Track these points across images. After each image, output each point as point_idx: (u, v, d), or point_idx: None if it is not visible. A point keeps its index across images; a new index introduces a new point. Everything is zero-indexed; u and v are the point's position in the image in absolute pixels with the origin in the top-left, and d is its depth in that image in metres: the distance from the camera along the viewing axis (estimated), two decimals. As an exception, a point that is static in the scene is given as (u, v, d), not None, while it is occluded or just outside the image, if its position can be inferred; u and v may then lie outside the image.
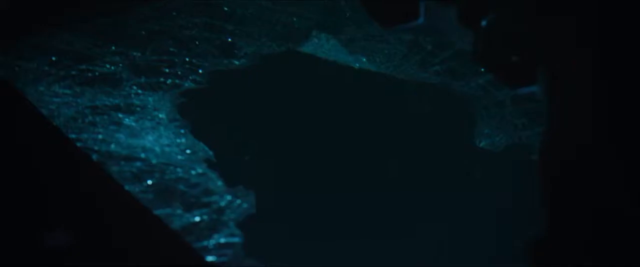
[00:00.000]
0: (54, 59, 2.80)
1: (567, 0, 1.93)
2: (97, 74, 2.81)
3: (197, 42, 2.97)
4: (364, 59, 2.96)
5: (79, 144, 2.48)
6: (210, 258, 2.25)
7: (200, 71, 2.89)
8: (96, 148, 2.54)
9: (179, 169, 2.52)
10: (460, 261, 2.32)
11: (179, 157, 2.57)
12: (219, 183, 2.48)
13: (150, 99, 2.76)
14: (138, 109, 2.72)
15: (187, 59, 2.91)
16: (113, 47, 2.90)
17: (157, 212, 2.27)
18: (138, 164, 2.52)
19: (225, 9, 3.07)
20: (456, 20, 2.18)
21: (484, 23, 2.13)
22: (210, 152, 2.60)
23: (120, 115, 2.69)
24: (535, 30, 2.04)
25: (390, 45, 2.98)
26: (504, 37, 2.10)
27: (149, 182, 2.46)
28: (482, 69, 2.86)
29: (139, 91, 2.78)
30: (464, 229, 2.44)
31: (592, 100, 1.85)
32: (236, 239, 2.32)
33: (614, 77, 1.81)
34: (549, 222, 1.93)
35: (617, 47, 1.81)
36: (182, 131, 2.67)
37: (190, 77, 2.86)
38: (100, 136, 2.59)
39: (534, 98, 2.61)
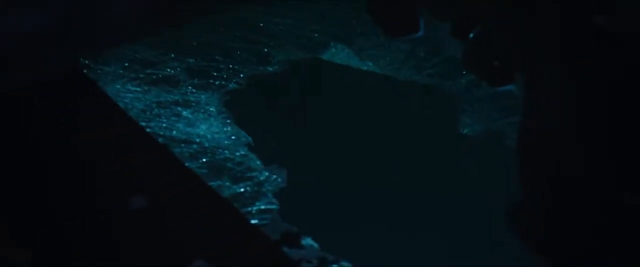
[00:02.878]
0: (126, 64, 2.81)
1: (535, 18, 1.93)
2: (160, 76, 2.81)
3: (238, 52, 2.97)
4: (371, 64, 2.96)
5: (148, 130, 2.49)
6: (253, 221, 2.25)
7: (241, 75, 2.89)
8: (161, 133, 2.55)
9: (226, 151, 2.53)
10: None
11: (226, 141, 2.58)
12: (258, 162, 2.48)
13: (202, 96, 2.77)
14: (193, 104, 2.73)
15: (230, 66, 2.91)
16: (172, 55, 2.90)
17: (210, 184, 2.28)
18: (194, 146, 2.52)
19: (261, 24, 3.07)
20: (450, 33, 2.18)
21: (471, 35, 2.13)
22: (250, 138, 2.61)
23: (179, 109, 2.69)
24: (513, 41, 2.04)
25: (392, 53, 2.98)
26: (488, 46, 2.10)
27: (204, 160, 2.47)
28: (464, 72, 2.86)
29: (193, 90, 2.79)
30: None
31: (559, 94, 1.86)
32: (274, 206, 2.32)
33: (577, 78, 1.82)
34: (526, 196, 1.93)
35: (579, 53, 1.81)
36: (228, 121, 2.67)
37: (234, 80, 2.86)
38: (164, 125, 2.60)
39: (509, 95, 2.61)
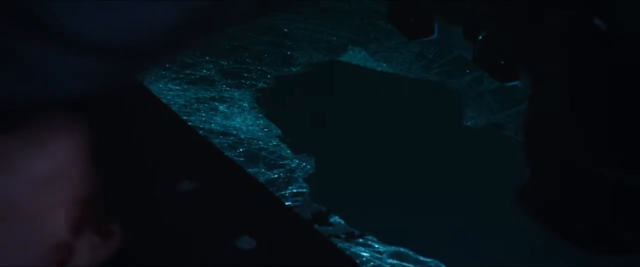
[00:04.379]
0: (167, 66, 2.83)
1: (540, 23, 1.94)
2: (197, 76, 2.83)
3: (265, 55, 2.99)
4: (385, 65, 2.98)
5: (189, 123, 2.51)
6: (287, 203, 2.27)
7: (268, 76, 2.91)
8: (201, 126, 2.57)
9: (260, 141, 2.55)
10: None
11: (260, 133, 2.60)
12: (289, 151, 2.51)
13: (235, 93, 2.79)
14: (228, 100, 2.75)
15: (258, 67, 2.94)
16: (207, 58, 2.92)
17: (248, 170, 2.30)
18: (231, 137, 2.54)
19: (285, 30, 3.09)
20: (462, 35, 2.20)
21: (480, 37, 2.15)
22: (280, 131, 2.63)
23: (216, 104, 2.71)
24: (518, 42, 2.06)
25: (403, 54, 3.00)
26: (495, 47, 2.12)
27: (240, 150, 2.49)
28: (467, 71, 2.87)
29: (227, 88, 2.81)
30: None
31: (560, 87, 1.87)
32: (304, 190, 2.34)
33: (578, 74, 1.83)
34: (531, 175, 1.95)
35: (580, 53, 1.82)
36: (260, 116, 2.69)
37: (262, 80, 2.89)
38: (203, 118, 2.62)
39: (507, 90, 2.63)
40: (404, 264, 2.09)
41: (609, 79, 1.83)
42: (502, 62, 2.20)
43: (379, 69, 2.97)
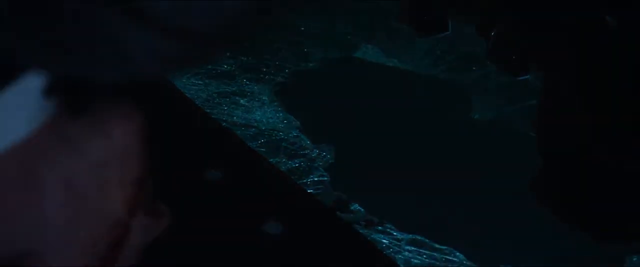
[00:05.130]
0: (190, 61, 2.81)
1: (547, 21, 1.94)
2: (218, 71, 2.83)
3: (283, 51, 2.98)
4: (396, 61, 2.97)
5: (213, 116, 2.51)
6: (309, 190, 2.27)
7: (286, 71, 2.90)
8: (224, 119, 2.56)
9: (281, 133, 2.54)
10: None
11: (280, 125, 2.59)
12: (308, 142, 2.50)
13: (255, 87, 2.78)
14: (248, 94, 2.74)
15: (276, 63, 2.93)
16: (227, 54, 2.91)
17: (270, 160, 2.30)
18: (253, 129, 2.54)
19: (302, 28, 3.08)
20: (472, 32, 2.20)
21: (492, 34, 2.15)
22: (298, 122, 2.62)
23: (237, 98, 2.70)
24: (528, 38, 2.06)
25: (413, 51, 2.99)
26: (507, 42, 2.12)
27: (262, 140, 2.48)
28: (474, 68, 2.87)
29: (247, 82, 2.80)
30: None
31: (573, 80, 1.87)
32: (325, 178, 2.34)
33: (590, 68, 1.83)
34: (546, 165, 1.95)
35: (591, 48, 1.82)
36: (279, 109, 2.68)
37: (280, 74, 2.88)
38: (225, 111, 2.61)
39: (514, 85, 2.62)
40: (421, 250, 2.09)
41: (621, 72, 1.82)
42: (514, 57, 2.20)
43: (391, 64, 2.96)
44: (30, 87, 0.75)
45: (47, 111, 0.79)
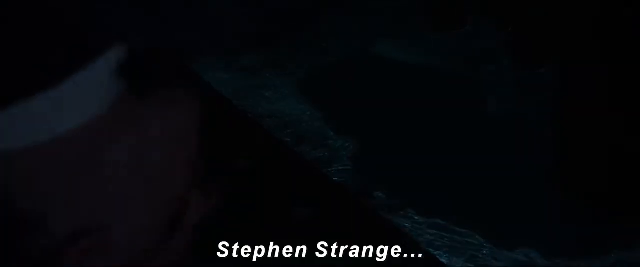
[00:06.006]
0: (216, 57, 2.80)
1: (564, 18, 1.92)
2: (242, 65, 2.81)
3: (304, 47, 2.96)
4: (413, 56, 2.95)
5: (240, 108, 2.49)
6: (334, 178, 2.25)
7: (307, 65, 2.88)
8: (250, 110, 2.55)
9: (305, 124, 2.52)
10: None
11: (303, 116, 2.57)
12: (332, 133, 2.48)
13: (279, 81, 2.76)
14: (272, 87, 2.72)
15: (298, 57, 2.91)
16: (252, 49, 2.89)
17: (296, 149, 2.28)
18: (277, 120, 2.52)
19: (324, 24, 3.06)
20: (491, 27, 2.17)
21: (510, 28, 2.13)
22: (321, 114, 2.60)
23: (262, 91, 2.69)
24: (546, 34, 2.04)
25: (430, 47, 2.96)
26: (526, 36, 2.10)
27: (288, 131, 2.46)
28: (490, 61, 2.84)
29: (271, 77, 2.78)
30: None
31: (596, 75, 1.85)
32: (348, 167, 2.32)
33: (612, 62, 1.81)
34: (570, 158, 1.92)
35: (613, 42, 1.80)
36: (301, 101, 2.66)
37: (302, 69, 2.86)
38: (251, 103, 2.59)
39: (528, 79, 2.60)
40: (442, 233, 2.07)
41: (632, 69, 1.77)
42: (532, 50, 2.17)
43: (409, 60, 2.93)
44: (102, 66, 0.74)
45: (116, 90, 0.79)
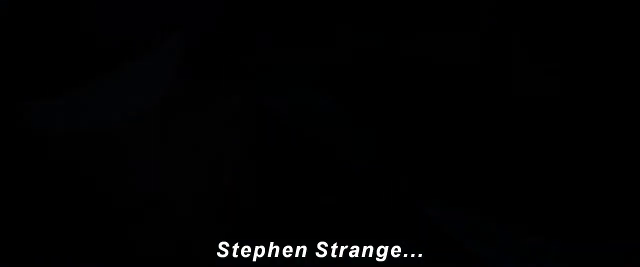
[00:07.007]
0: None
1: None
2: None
3: (318, 41, 2.94)
4: (429, 51, 2.90)
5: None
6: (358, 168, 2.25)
7: (321, 59, 2.87)
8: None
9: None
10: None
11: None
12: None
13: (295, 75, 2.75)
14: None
15: (312, 52, 2.89)
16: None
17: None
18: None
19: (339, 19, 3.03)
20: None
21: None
22: (343, 105, 2.60)
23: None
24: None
25: (446, 42, 2.91)
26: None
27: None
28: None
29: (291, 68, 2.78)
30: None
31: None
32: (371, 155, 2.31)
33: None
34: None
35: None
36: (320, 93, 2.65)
37: (316, 63, 2.84)
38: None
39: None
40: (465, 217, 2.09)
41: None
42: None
43: (423, 55, 2.90)
44: (168, 52, 0.80)
45: (181, 76, 0.86)
